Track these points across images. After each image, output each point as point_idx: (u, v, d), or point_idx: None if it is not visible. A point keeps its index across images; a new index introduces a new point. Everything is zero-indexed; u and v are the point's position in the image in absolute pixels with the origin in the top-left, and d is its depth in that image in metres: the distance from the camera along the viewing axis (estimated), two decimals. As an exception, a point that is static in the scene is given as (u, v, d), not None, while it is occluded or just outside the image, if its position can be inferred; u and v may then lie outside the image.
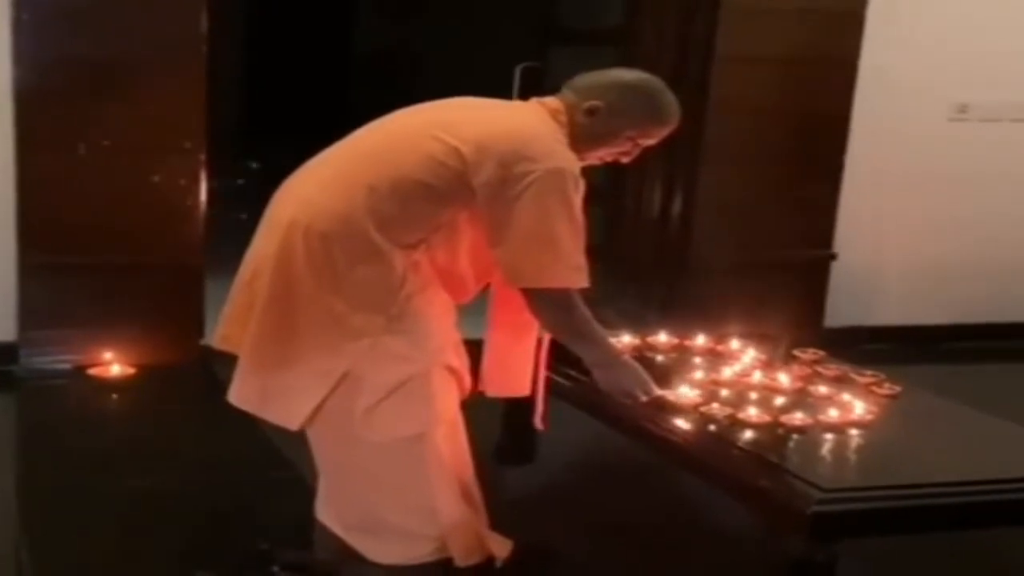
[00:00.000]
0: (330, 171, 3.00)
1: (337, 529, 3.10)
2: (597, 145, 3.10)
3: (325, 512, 3.14)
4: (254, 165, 8.56)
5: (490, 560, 3.08)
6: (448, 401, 3.01)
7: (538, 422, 3.31)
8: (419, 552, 3.03)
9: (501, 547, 3.12)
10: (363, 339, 2.87)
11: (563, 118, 3.06)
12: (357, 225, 2.87)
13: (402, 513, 3.03)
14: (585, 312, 3.01)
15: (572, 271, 2.93)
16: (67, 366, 4.63)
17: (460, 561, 3.05)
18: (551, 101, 3.11)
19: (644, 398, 3.12)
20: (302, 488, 3.24)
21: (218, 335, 3.08)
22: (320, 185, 2.96)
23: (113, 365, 4.65)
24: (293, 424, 2.94)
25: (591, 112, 3.06)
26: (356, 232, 2.87)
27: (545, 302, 2.98)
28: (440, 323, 3.01)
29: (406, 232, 2.92)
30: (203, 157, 4.71)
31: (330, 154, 3.08)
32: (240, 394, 3.00)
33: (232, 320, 3.04)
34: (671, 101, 3.14)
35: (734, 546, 3.51)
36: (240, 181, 8.08)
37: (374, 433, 2.92)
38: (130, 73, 4.55)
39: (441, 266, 3.01)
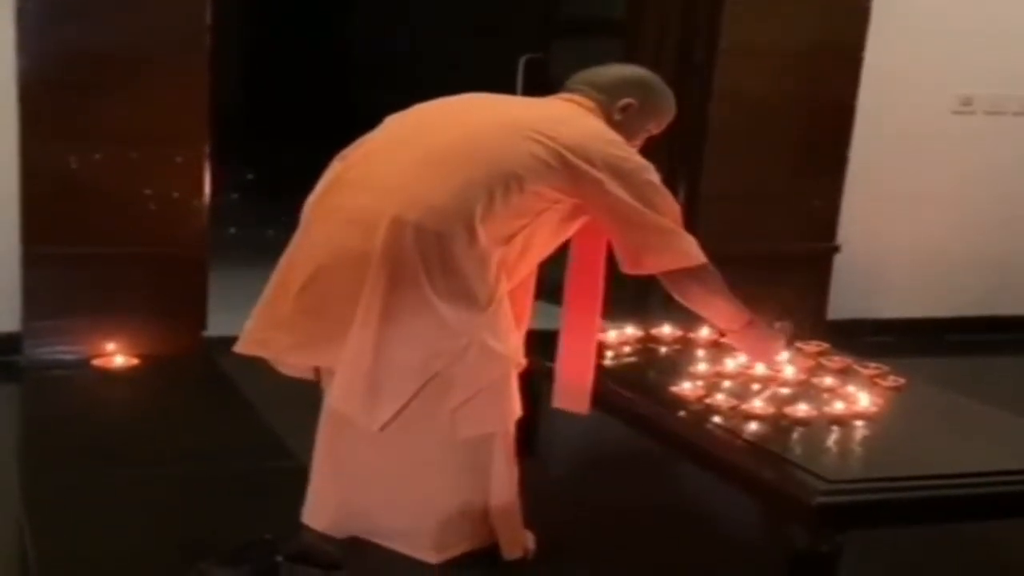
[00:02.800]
0: (419, 166, 2.95)
1: (371, 534, 3.12)
2: (628, 140, 3.20)
3: (354, 522, 3.14)
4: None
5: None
6: (517, 395, 3.05)
7: (582, 406, 3.32)
8: (463, 546, 3.09)
9: (529, 540, 3.18)
10: (461, 340, 2.87)
11: (599, 115, 3.19)
12: (469, 222, 2.86)
13: (464, 507, 3.06)
14: (721, 280, 3.18)
15: (695, 247, 3.12)
16: (71, 357, 4.63)
17: (508, 554, 3.11)
18: (581, 99, 3.22)
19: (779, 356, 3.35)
20: (304, 478, 3.24)
21: (255, 339, 3.06)
22: (417, 180, 2.91)
23: (116, 356, 4.66)
24: (375, 425, 2.90)
25: (625, 109, 3.23)
26: (469, 229, 2.86)
27: (690, 279, 3.14)
28: (512, 320, 3.05)
29: (503, 228, 2.95)
30: (207, 148, 4.71)
31: (399, 144, 3.06)
32: (342, 398, 2.94)
33: (273, 324, 3.01)
34: (671, 92, 3.37)
35: (738, 537, 3.52)
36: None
37: (459, 431, 2.94)
38: (134, 64, 4.55)
39: (510, 263, 3.02)
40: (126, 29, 4.52)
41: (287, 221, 3.21)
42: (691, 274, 3.13)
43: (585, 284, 3.25)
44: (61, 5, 4.46)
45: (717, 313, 3.27)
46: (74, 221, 4.61)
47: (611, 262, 3.21)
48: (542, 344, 3.33)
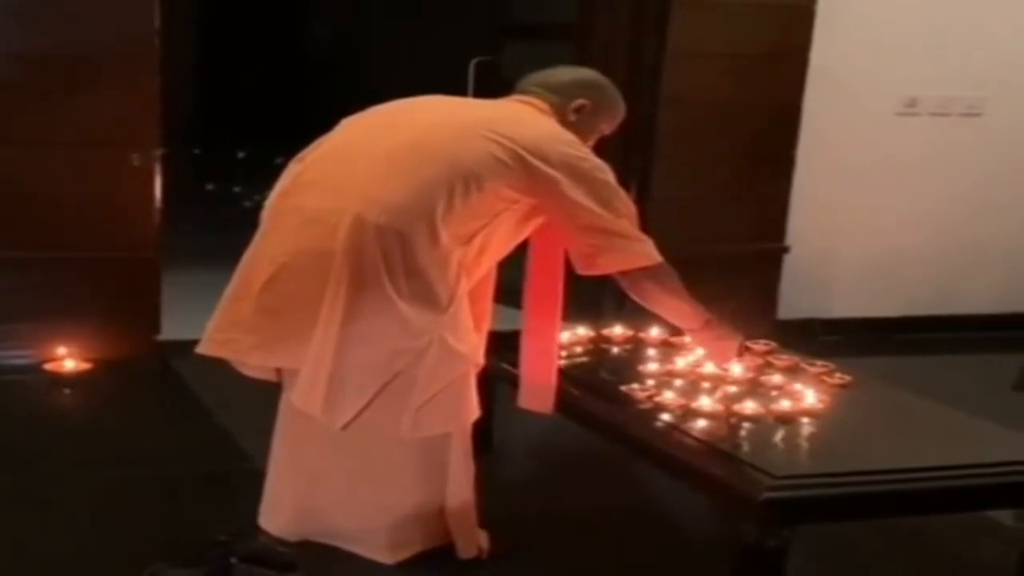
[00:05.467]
0: (379, 165, 2.97)
1: (326, 536, 3.15)
2: (583, 141, 3.22)
3: (309, 524, 3.17)
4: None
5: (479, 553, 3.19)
6: (476, 395, 3.08)
7: (546, 407, 3.34)
8: (418, 546, 3.13)
9: (483, 540, 3.21)
10: (422, 339, 2.89)
11: (553, 116, 3.22)
12: (430, 221, 2.88)
13: (419, 507, 3.10)
14: (677, 280, 3.20)
15: (651, 247, 3.14)
16: (22, 361, 4.61)
17: (463, 554, 3.14)
18: (535, 101, 3.25)
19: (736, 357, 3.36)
20: (259, 480, 3.25)
21: (216, 340, 3.06)
22: (377, 179, 2.93)
23: (68, 360, 4.63)
24: (336, 424, 2.92)
25: (579, 110, 3.27)
26: (430, 228, 2.88)
27: (646, 279, 3.16)
28: (471, 320, 3.08)
29: (463, 228, 2.97)
30: (157, 151, 4.69)
31: (357, 144, 3.07)
32: (305, 397, 2.94)
33: (235, 324, 3.02)
34: (620, 94, 3.42)
35: (688, 533, 3.55)
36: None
37: (419, 430, 2.96)
38: (83, 68, 4.53)
39: (468, 263, 3.04)
40: (74, 33, 4.50)
41: (243, 224, 3.22)
42: (647, 274, 3.16)
43: (545, 285, 3.27)
44: (7, 8, 4.44)
45: (674, 313, 3.30)
46: (25, 225, 4.59)
47: (567, 263, 3.24)
48: (499, 345, 3.36)
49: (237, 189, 7.86)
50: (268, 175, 3.22)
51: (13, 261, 4.59)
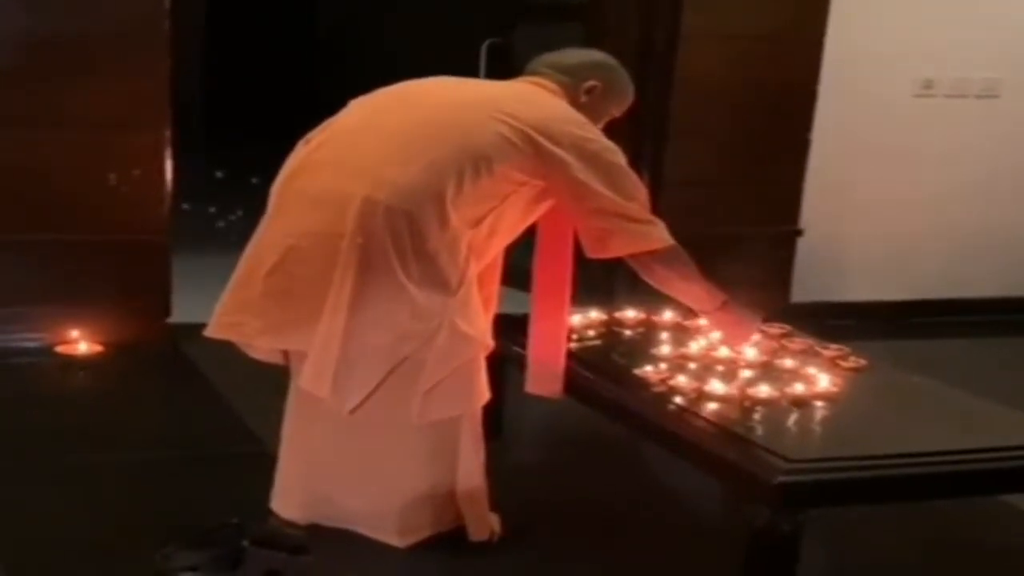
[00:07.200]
0: (388, 146, 2.95)
1: (337, 520, 3.14)
2: (593, 123, 3.20)
3: (320, 508, 3.16)
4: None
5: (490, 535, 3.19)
6: (486, 377, 3.07)
7: (555, 391, 3.33)
8: (429, 530, 3.12)
9: (495, 522, 3.20)
10: (432, 322, 2.88)
11: (564, 97, 3.21)
12: (440, 202, 2.87)
13: (430, 491, 3.09)
14: (690, 262, 3.17)
15: (662, 230, 3.12)
16: (34, 344, 4.61)
17: (475, 535, 3.13)
18: (546, 82, 3.24)
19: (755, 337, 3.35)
20: (270, 463, 3.25)
21: (225, 323, 3.05)
22: (386, 160, 2.91)
23: (80, 343, 4.64)
24: (345, 408, 2.91)
25: (590, 91, 3.26)
26: (440, 209, 2.86)
27: (657, 263, 3.14)
28: (480, 303, 3.06)
29: (472, 211, 2.95)
30: (168, 134, 4.68)
31: (365, 125, 3.06)
32: (313, 379, 2.93)
33: (243, 307, 3.01)
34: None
35: (700, 517, 3.54)
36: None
37: (428, 414, 2.95)
38: (94, 50, 4.51)
39: (478, 246, 3.02)
40: (84, 15, 4.49)
41: (252, 207, 3.21)
42: (658, 257, 3.13)
43: (554, 269, 3.26)
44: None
45: (688, 295, 3.28)
46: (36, 208, 4.58)
47: (577, 246, 3.22)
48: (509, 328, 3.35)
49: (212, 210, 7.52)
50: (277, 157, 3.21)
51: (25, 244, 4.59)
